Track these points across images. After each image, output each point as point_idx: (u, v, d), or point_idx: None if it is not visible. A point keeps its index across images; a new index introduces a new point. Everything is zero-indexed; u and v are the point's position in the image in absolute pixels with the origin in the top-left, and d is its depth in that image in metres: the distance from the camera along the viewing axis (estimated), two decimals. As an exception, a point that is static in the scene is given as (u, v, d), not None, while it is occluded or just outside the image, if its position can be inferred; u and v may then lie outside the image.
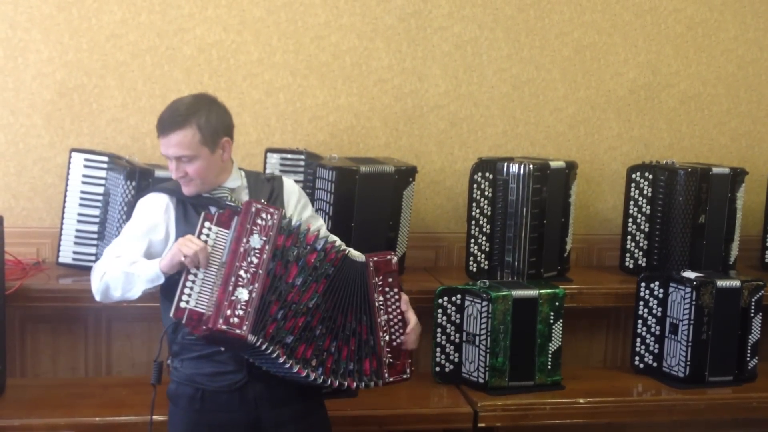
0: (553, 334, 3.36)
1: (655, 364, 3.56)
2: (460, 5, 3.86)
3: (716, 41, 4.14)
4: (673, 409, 3.42)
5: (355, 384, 2.50)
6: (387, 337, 2.56)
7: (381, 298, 2.58)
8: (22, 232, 3.53)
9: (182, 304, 2.34)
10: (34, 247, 3.54)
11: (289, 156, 3.54)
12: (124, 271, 2.44)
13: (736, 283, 3.51)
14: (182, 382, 2.56)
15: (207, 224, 2.42)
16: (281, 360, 2.37)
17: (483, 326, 3.27)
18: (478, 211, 3.56)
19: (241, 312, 2.32)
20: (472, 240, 3.58)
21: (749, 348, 3.55)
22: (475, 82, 3.92)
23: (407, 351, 2.59)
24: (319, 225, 2.70)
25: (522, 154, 3.94)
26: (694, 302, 3.43)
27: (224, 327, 2.30)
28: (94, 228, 3.37)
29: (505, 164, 3.53)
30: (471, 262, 3.59)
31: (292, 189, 2.74)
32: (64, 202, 3.38)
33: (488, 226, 3.56)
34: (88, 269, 3.30)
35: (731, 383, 3.51)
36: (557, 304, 3.36)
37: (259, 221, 2.41)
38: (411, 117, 3.88)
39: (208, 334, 2.32)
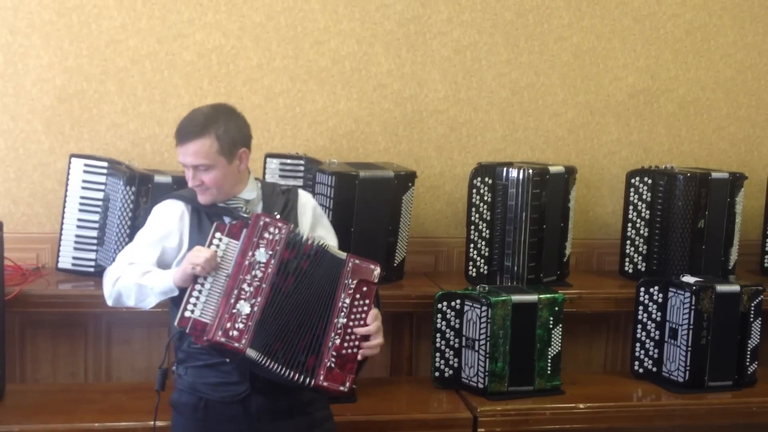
0: (552, 339, 3.36)
1: (654, 369, 3.56)
2: (459, 10, 3.87)
3: (715, 46, 4.14)
4: (672, 414, 3.42)
5: (297, 376, 2.39)
6: (338, 341, 2.45)
7: (347, 300, 2.49)
8: (21, 238, 3.53)
9: (187, 314, 2.33)
10: (33, 253, 3.54)
11: (288, 161, 3.54)
12: (137, 282, 2.45)
13: (736, 287, 3.51)
14: (185, 390, 2.56)
15: (218, 234, 2.41)
16: (266, 365, 2.35)
17: (482, 331, 3.27)
18: (477, 215, 3.56)
19: (241, 325, 2.31)
20: (472, 245, 3.58)
21: (749, 353, 3.54)
22: (475, 87, 3.92)
23: (354, 365, 2.46)
24: (332, 244, 2.64)
25: (521, 158, 3.95)
26: (693, 307, 3.43)
27: (222, 339, 2.29)
28: (94, 233, 3.37)
29: (505, 169, 3.53)
30: (470, 267, 3.59)
31: (306, 203, 2.72)
32: (64, 207, 3.38)
33: (488, 231, 3.56)
34: (88, 275, 3.35)
35: (731, 388, 3.51)
36: (557, 309, 3.36)
37: (266, 235, 2.40)
38: (410, 122, 3.88)
39: (209, 345, 2.32)
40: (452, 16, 3.87)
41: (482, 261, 3.58)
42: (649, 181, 3.73)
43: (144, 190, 3.27)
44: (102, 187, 3.37)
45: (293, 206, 2.68)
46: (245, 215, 2.54)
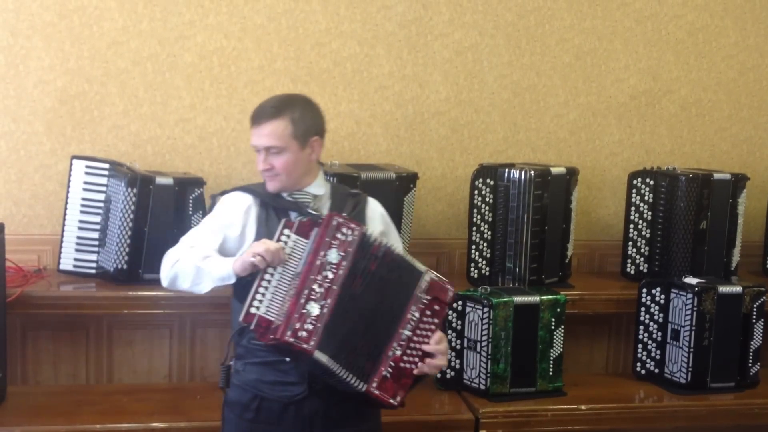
0: (554, 341, 3.36)
1: (656, 371, 3.55)
2: (460, 12, 3.87)
3: (717, 47, 4.14)
4: (675, 416, 3.41)
5: (350, 376, 2.35)
6: (398, 353, 2.40)
7: (416, 314, 2.43)
8: (23, 239, 3.53)
9: (252, 310, 2.31)
10: (35, 254, 3.54)
11: (290, 162, 3.53)
12: (196, 265, 2.44)
13: (738, 289, 3.50)
14: (241, 386, 2.54)
15: (286, 231, 2.38)
16: (335, 369, 2.31)
17: (484, 332, 3.26)
18: (479, 217, 3.56)
19: (310, 326, 2.28)
20: (473, 246, 3.58)
21: (751, 354, 3.54)
22: (476, 88, 3.92)
23: (409, 380, 2.42)
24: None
25: (523, 160, 3.94)
26: (695, 308, 3.42)
27: (291, 339, 2.26)
28: (95, 235, 3.36)
29: (506, 170, 3.53)
30: (472, 268, 3.59)
31: (376, 210, 2.69)
32: (65, 209, 3.38)
33: (489, 232, 3.56)
34: (90, 276, 3.36)
35: (733, 389, 3.51)
36: (558, 310, 3.36)
37: (339, 236, 2.35)
38: (412, 123, 3.88)
39: (274, 344, 2.29)
40: (454, 18, 3.87)
41: (484, 262, 3.58)
42: (651, 183, 3.73)
43: (145, 191, 3.27)
44: (103, 188, 3.37)
45: (361, 211, 2.64)
46: (313, 213, 2.51)
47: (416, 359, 2.42)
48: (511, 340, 3.28)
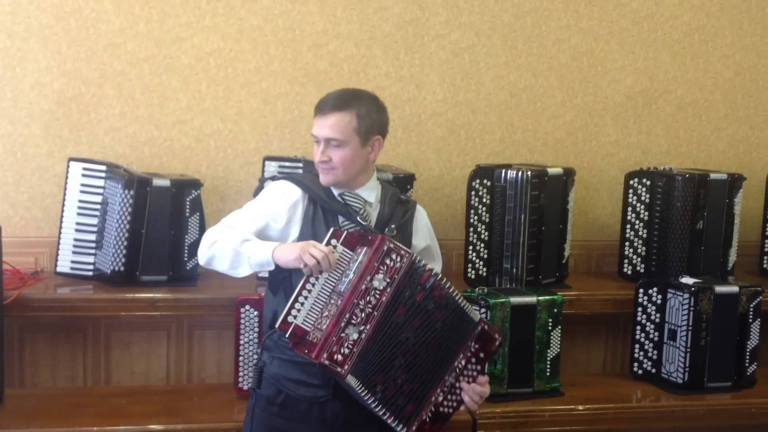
0: (551, 341, 3.36)
1: (653, 371, 3.56)
2: (457, 13, 3.87)
3: (713, 47, 4.14)
4: (672, 416, 3.42)
5: (392, 419, 2.37)
6: (440, 398, 2.45)
7: (463, 362, 2.46)
8: (20, 242, 3.53)
9: (290, 318, 2.30)
10: (32, 257, 3.54)
11: (287, 164, 3.53)
12: (235, 248, 2.41)
13: (735, 288, 3.51)
14: (267, 379, 2.53)
15: (333, 241, 2.35)
16: (359, 389, 2.32)
17: (481, 333, 3.26)
18: (476, 218, 3.56)
19: (346, 351, 2.27)
20: (471, 247, 3.58)
21: (748, 354, 3.54)
22: (473, 89, 3.92)
23: (445, 423, 2.47)
24: (437, 269, 2.57)
25: (520, 160, 3.95)
26: (692, 308, 3.43)
27: (327, 362, 2.26)
28: (93, 237, 3.37)
29: (503, 171, 3.53)
30: (469, 269, 3.59)
31: (422, 220, 2.69)
32: (63, 211, 3.38)
33: (486, 233, 3.56)
34: (87, 278, 3.36)
35: (730, 389, 3.51)
36: (556, 310, 3.36)
37: (387, 261, 2.32)
38: (409, 124, 3.88)
39: (308, 361, 2.30)
40: (450, 19, 3.87)
41: (481, 263, 3.58)
42: (648, 183, 3.73)
43: (142, 193, 3.27)
44: (100, 190, 3.37)
45: (409, 220, 2.64)
46: (363, 223, 2.49)
47: (454, 404, 2.47)
48: (509, 341, 3.28)
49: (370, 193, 2.59)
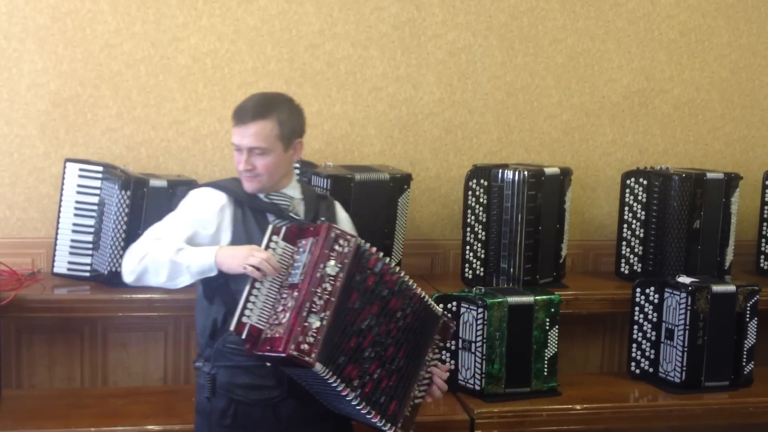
0: (549, 341, 3.36)
1: (651, 370, 3.56)
2: (453, 13, 3.87)
3: (709, 47, 4.15)
4: (669, 415, 3.42)
5: (378, 417, 2.39)
6: (417, 392, 2.51)
7: (430, 355, 2.54)
8: (16, 243, 3.53)
9: (244, 319, 2.28)
10: (29, 258, 3.53)
11: (284, 164, 3.53)
12: (171, 259, 2.35)
13: (732, 288, 3.51)
14: (217, 390, 2.48)
15: (275, 237, 2.36)
16: (331, 380, 2.31)
17: (479, 333, 3.27)
18: (473, 217, 3.56)
19: (311, 339, 2.26)
20: (468, 247, 3.58)
21: (745, 353, 3.55)
22: (470, 89, 3.92)
23: (416, 414, 2.54)
24: None
25: (517, 160, 3.95)
26: (689, 307, 3.43)
27: (295, 353, 2.24)
28: (89, 238, 3.36)
29: (500, 171, 3.53)
30: (466, 269, 3.59)
31: (342, 214, 2.72)
32: (59, 212, 3.38)
33: (483, 233, 3.57)
34: (84, 279, 3.35)
35: (727, 388, 3.51)
36: (553, 310, 3.36)
37: (336, 247, 2.34)
38: (406, 124, 3.88)
39: (271, 356, 2.27)
40: (447, 19, 3.87)
41: (478, 263, 3.59)
42: (645, 182, 3.74)
43: (139, 194, 3.27)
44: (97, 191, 3.36)
45: (333, 214, 2.66)
46: (296, 217, 2.51)
47: (423, 394, 2.56)
48: (506, 341, 3.28)
49: (295, 191, 2.60)
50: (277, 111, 2.48)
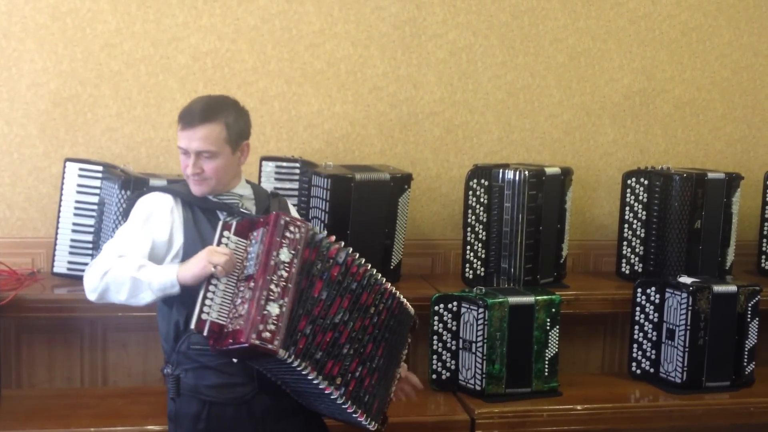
0: (549, 341, 3.36)
1: (652, 370, 3.55)
2: (454, 12, 3.87)
3: (710, 47, 4.14)
4: (670, 415, 3.41)
5: (364, 416, 2.43)
6: (393, 389, 2.61)
7: (404, 352, 2.62)
8: (16, 243, 3.53)
9: (204, 316, 2.27)
10: (28, 257, 3.53)
11: (284, 164, 3.53)
12: (132, 276, 2.33)
13: (733, 288, 3.50)
14: (186, 394, 2.47)
15: (226, 233, 2.36)
16: (311, 376, 2.31)
17: (479, 333, 3.26)
18: (473, 217, 3.56)
19: (272, 327, 2.25)
20: (468, 247, 3.57)
21: (746, 353, 3.54)
22: (470, 89, 3.92)
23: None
24: None
25: (517, 160, 3.94)
26: (690, 308, 3.42)
27: (257, 342, 2.23)
28: (89, 238, 3.36)
29: (501, 171, 3.53)
30: (467, 269, 3.59)
31: (294, 211, 2.76)
32: (59, 211, 3.38)
33: (484, 233, 3.56)
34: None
35: (728, 388, 3.51)
36: (554, 310, 3.36)
37: (288, 234, 2.34)
38: (406, 124, 3.88)
39: (235, 348, 2.25)
40: (447, 18, 3.87)
41: (479, 263, 3.58)
42: (646, 182, 3.73)
43: (139, 194, 3.26)
44: (97, 191, 3.36)
45: (287, 210, 2.69)
46: (245, 212, 2.51)
47: (394, 386, 2.64)
48: (507, 341, 3.27)
49: (245, 190, 2.60)
50: (224, 114, 2.47)
